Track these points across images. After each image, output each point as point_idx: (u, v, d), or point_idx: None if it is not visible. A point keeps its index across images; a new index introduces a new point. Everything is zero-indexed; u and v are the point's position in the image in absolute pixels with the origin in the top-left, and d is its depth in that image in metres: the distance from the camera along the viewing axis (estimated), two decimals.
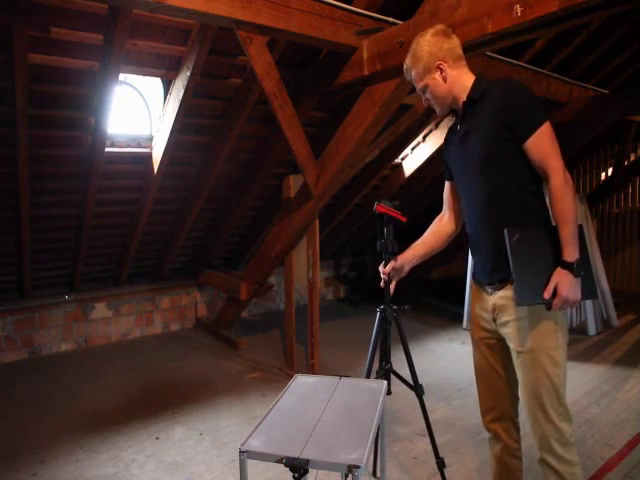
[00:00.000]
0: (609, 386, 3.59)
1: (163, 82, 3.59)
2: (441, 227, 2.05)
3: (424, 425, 2.37)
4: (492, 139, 1.65)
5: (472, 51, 2.77)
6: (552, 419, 1.64)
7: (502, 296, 1.72)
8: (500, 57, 3.82)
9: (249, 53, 2.74)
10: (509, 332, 1.71)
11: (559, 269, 1.58)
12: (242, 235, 5.45)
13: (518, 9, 2.17)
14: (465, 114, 1.76)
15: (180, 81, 3.42)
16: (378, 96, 3.02)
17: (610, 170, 6.97)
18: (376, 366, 2.46)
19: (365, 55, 2.99)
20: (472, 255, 1.90)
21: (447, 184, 2.00)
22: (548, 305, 1.60)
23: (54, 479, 2.60)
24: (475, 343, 1.93)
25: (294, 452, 1.31)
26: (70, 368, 4.19)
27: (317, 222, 3.75)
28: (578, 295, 1.57)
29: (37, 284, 4.48)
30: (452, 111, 1.84)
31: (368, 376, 2.35)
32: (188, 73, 3.30)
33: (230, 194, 4.74)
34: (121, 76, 3.34)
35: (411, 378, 2.38)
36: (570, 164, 7.19)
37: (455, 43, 1.76)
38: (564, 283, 1.55)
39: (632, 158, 6.79)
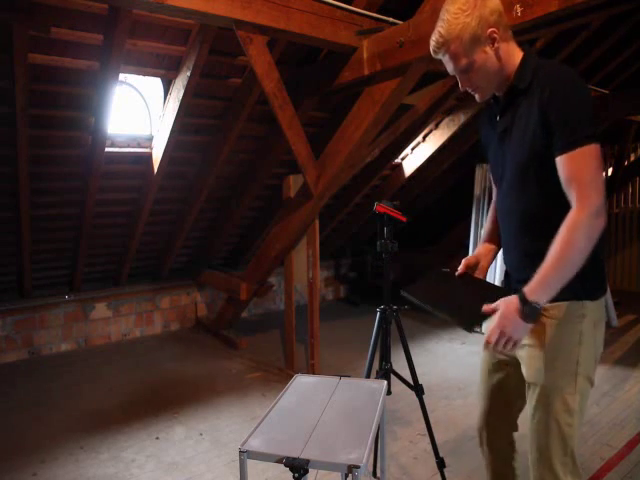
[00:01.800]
0: (609, 386, 3.58)
1: (163, 82, 3.59)
2: None
3: (424, 425, 2.37)
4: (532, 145, 1.35)
5: None
6: (555, 469, 1.42)
7: None
8: None
9: (249, 53, 2.74)
10: (523, 356, 1.48)
11: (512, 297, 1.33)
12: (242, 235, 5.45)
13: (518, 9, 2.17)
14: (507, 105, 1.44)
15: (180, 81, 3.42)
16: (378, 96, 3.02)
17: (610, 170, 6.97)
18: (376, 366, 2.46)
19: (365, 55, 2.99)
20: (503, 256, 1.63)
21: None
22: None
23: (54, 479, 2.60)
24: (486, 353, 1.71)
25: (294, 452, 1.31)
26: (70, 368, 4.19)
27: (317, 222, 3.75)
28: (517, 335, 1.31)
29: (37, 284, 4.48)
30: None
31: (368, 376, 2.35)
32: (188, 73, 3.30)
33: (230, 194, 4.74)
34: (121, 76, 3.35)
35: (411, 378, 2.39)
36: None
37: (501, 6, 1.36)
38: (505, 314, 1.31)
39: (632, 158, 6.79)
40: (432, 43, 1.40)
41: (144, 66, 3.34)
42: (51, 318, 4.54)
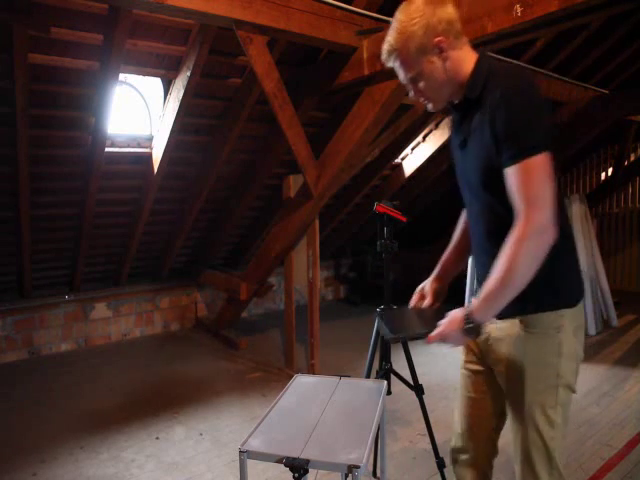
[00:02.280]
0: (609, 386, 3.59)
1: (163, 82, 3.59)
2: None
3: (424, 425, 2.37)
4: (488, 156, 1.30)
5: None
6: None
7: (500, 327, 1.43)
8: (500, 57, 3.81)
9: (249, 53, 2.74)
10: (502, 372, 1.45)
11: (460, 310, 1.35)
12: (242, 235, 5.45)
13: (518, 9, 2.17)
14: (463, 116, 1.41)
15: (180, 81, 3.42)
16: (378, 96, 3.02)
17: (610, 170, 6.97)
18: (376, 366, 2.46)
19: (365, 55, 2.99)
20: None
21: None
22: (421, 336, 1.43)
23: (54, 479, 2.60)
24: (461, 365, 1.66)
25: (294, 452, 1.31)
26: (70, 368, 4.19)
27: (317, 222, 3.75)
28: (455, 344, 1.38)
29: (37, 284, 4.48)
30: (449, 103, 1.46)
31: (368, 376, 2.35)
32: (188, 73, 3.30)
33: (230, 194, 4.74)
34: (121, 76, 3.35)
35: (411, 378, 2.39)
36: (570, 164, 7.19)
37: (454, 14, 1.33)
38: (449, 324, 1.35)
39: (632, 158, 6.79)
40: (382, 52, 1.38)
41: (144, 66, 3.34)
42: (51, 318, 4.54)
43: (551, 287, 1.33)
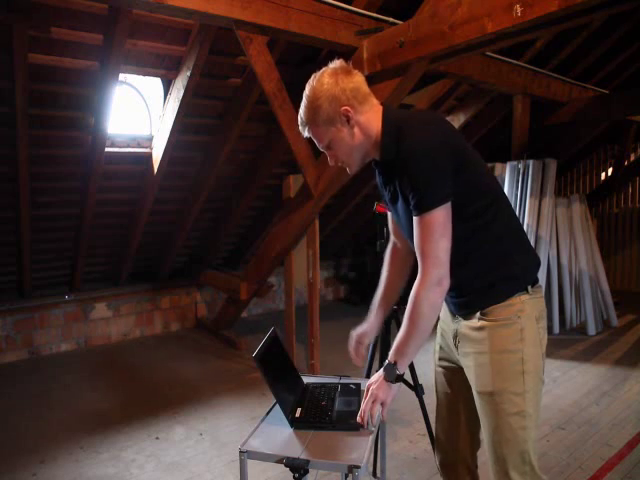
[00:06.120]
0: (609, 386, 3.59)
1: (163, 82, 3.59)
2: (402, 256, 1.70)
3: (424, 425, 2.37)
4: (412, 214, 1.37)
5: (472, 51, 2.78)
6: (513, 479, 1.39)
7: (466, 325, 1.47)
8: (500, 57, 3.82)
9: (249, 53, 2.74)
10: (470, 366, 1.48)
11: (375, 375, 1.48)
12: (242, 235, 5.45)
13: (518, 9, 2.17)
14: (386, 175, 1.45)
15: (180, 81, 3.42)
16: (378, 96, 2.99)
17: (610, 170, 6.97)
18: (376, 366, 2.46)
19: (365, 55, 2.99)
20: None
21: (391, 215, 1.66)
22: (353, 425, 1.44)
23: (54, 479, 2.60)
24: (435, 364, 1.72)
25: (294, 452, 1.31)
26: (70, 368, 4.19)
27: (317, 222, 3.74)
28: (383, 395, 1.42)
29: (37, 284, 4.48)
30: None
31: (368, 376, 2.35)
32: (188, 73, 3.30)
33: (230, 194, 4.74)
34: (121, 76, 3.35)
35: (411, 378, 2.39)
36: (570, 164, 7.20)
37: (359, 80, 1.40)
38: (374, 379, 1.47)
39: (632, 158, 6.79)
40: (299, 122, 1.45)
41: (144, 66, 3.34)
42: (51, 318, 4.54)
43: (500, 277, 1.41)
